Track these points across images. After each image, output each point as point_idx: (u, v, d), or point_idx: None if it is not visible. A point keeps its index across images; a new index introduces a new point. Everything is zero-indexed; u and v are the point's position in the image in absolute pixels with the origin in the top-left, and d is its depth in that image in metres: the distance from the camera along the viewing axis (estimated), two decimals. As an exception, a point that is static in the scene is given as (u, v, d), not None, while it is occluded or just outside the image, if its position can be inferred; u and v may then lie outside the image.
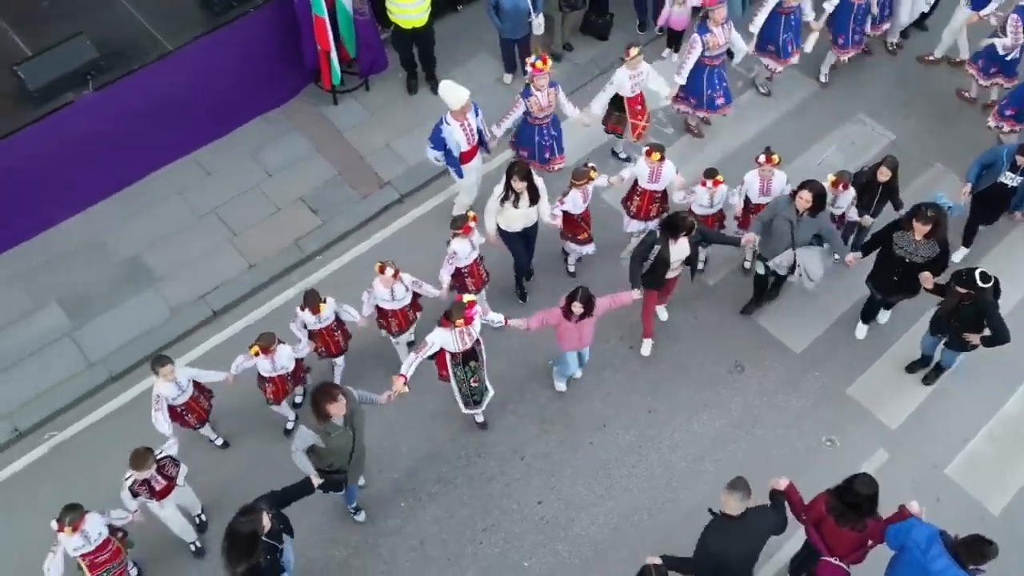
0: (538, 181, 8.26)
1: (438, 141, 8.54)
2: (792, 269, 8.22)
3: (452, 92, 8.37)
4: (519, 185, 8.03)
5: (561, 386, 8.48)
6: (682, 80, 9.46)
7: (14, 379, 8.45)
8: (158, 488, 6.87)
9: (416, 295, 8.02)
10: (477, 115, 8.69)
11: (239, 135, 10.21)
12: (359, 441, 6.81)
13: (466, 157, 8.77)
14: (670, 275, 8.07)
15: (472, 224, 7.92)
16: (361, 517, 7.76)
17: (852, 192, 8.38)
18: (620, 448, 8.25)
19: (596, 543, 7.70)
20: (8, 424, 8.19)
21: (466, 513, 7.88)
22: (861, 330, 8.87)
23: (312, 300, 7.57)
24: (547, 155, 9.22)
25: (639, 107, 9.35)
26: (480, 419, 8.23)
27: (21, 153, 8.71)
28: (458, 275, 8.14)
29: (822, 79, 10.81)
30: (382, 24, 10.16)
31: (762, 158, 8.32)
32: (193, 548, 7.51)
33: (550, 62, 8.76)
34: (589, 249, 8.91)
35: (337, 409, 6.41)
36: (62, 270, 9.13)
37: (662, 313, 8.94)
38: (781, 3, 9.71)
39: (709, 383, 8.63)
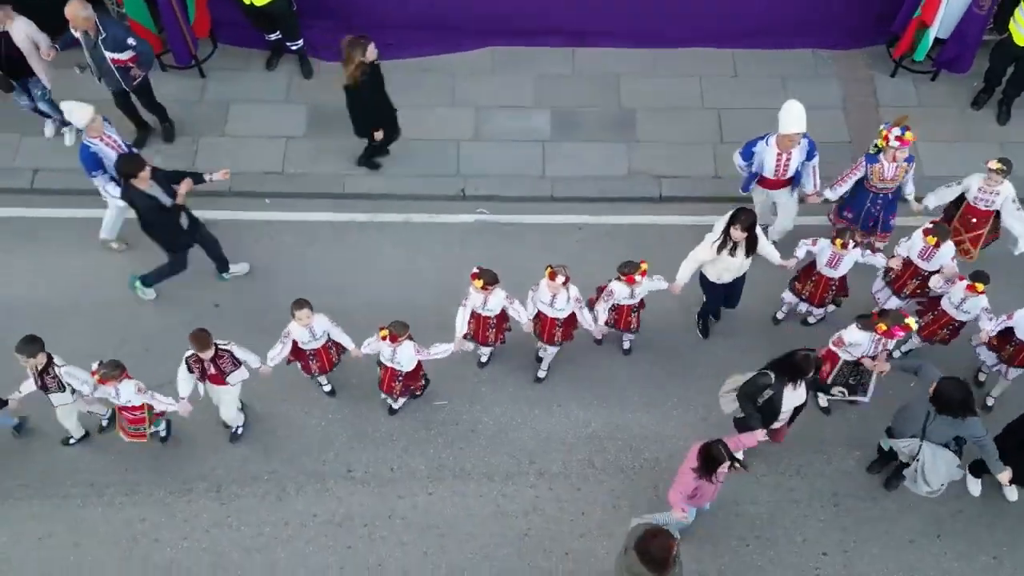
0: (759, 232, 7.41)
1: (747, 152, 7.99)
2: (912, 461, 6.84)
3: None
4: (738, 234, 7.21)
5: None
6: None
7: (482, 151, 9.41)
8: (209, 373, 7.08)
9: (572, 323, 7.57)
10: (811, 157, 7.93)
11: (783, 55, 10.02)
12: None
13: (766, 183, 8.09)
14: (776, 424, 6.86)
15: (639, 278, 7.22)
16: None
17: None
18: (939, 567, 7.37)
19: (851, 630, 7.11)
20: (459, 183, 9.26)
21: (752, 512, 7.62)
22: (975, 486, 7.63)
23: (488, 278, 7.17)
24: (871, 224, 8.22)
25: (976, 222, 8.03)
26: None
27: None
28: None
29: None
30: (997, 29, 9.14)
31: None
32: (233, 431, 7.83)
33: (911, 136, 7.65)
34: (815, 311, 8.21)
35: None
36: (572, 88, 9.81)
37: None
38: None
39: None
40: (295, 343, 7.31)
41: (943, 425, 6.65)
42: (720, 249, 7.41)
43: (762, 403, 6.77)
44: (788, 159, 7.85)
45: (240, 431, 7.85)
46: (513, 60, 9.98)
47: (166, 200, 7.71)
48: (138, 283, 8.38)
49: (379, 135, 8.69)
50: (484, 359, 8.25)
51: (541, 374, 8.20)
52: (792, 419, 7.04)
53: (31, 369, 6.99)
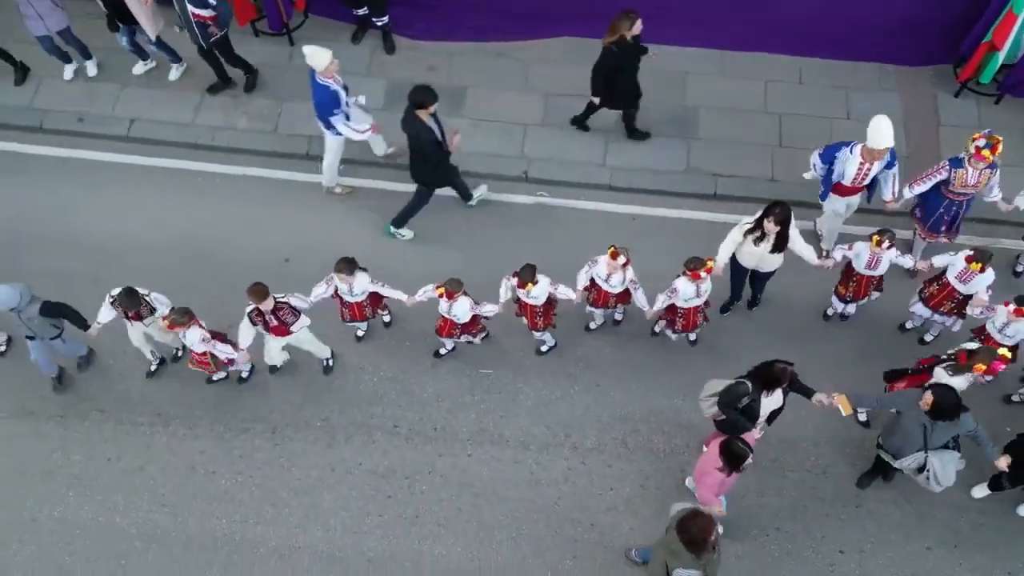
0: (793, 232, 7.52)
1: (828, 156, 8.01)
2: (921, 470, 6.95)
3: None
4: (771, 227, 7.38)
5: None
6: None
7: (546, 136, 9.75)
8: (271, 325, 7.52)
9: (628, 292, 7.85)
10: (891, 166, 7.98)
11: (847, 67, 10.14)
12: None
13: (842, 190, 8.16)
14: (755, 428, 7.03)
15: (704, 274, 7.43)
16: None
17: None
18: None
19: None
20: (523, 165, 9.62)
21: (775, 504, 7.85)
22: (979, 490, 7.78)
23: (526, 275, 7.50)
24: (943, 228, 8.40)
25: None
26: None
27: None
28: (672, 311, 7.88)
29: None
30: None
31: None
32: (271, 367, 8.32)
33: (998, 153, 7.70)
34: (848, 308, 8.37)
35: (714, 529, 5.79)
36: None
37: None
38: None
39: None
40: (336, 289, 7.78)
41: (941, 431, 6.81)
42: (747, 234, 7.63)
43: (742, 408, 6.92)
44: (869, 169, 7.94)
45: (331, 363, 8.40)
46: (585, 51, 10.16)
47: (440, 137, 8.23)
48: (391, 228, 9.02)
49: (597, 101, 9.16)
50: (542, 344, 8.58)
51: (592, 325, 8.60)
52: (770, 421, 7.18)
53: (122, 311, 7.60)
